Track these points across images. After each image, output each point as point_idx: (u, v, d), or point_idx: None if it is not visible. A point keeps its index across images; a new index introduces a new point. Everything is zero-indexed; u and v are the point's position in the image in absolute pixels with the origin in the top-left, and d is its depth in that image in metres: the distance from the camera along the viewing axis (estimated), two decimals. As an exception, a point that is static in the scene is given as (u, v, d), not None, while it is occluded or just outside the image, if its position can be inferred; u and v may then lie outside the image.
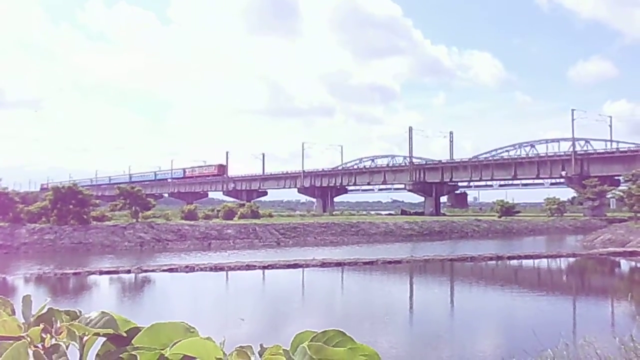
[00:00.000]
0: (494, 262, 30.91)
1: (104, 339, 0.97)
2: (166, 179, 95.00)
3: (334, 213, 73.34)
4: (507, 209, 65.67)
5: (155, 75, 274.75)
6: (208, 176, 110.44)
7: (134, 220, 43.47)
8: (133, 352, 0.92)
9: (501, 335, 15.32)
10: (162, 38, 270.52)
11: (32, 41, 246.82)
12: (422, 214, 74.64)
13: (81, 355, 0.94)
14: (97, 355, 0.96)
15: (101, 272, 25.89)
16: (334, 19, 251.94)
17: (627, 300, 13.79)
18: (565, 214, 65.68)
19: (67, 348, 0.95)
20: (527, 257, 32.35)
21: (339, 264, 28.59)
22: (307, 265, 28.02)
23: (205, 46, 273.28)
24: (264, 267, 27.38)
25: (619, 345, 6.97)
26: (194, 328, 0.92)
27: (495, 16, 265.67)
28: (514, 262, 31.07)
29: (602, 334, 9.02)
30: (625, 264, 32.17)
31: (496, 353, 11.38)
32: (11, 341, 0.93)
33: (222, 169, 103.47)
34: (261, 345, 0.92)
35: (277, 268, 27.45)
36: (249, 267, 27.34)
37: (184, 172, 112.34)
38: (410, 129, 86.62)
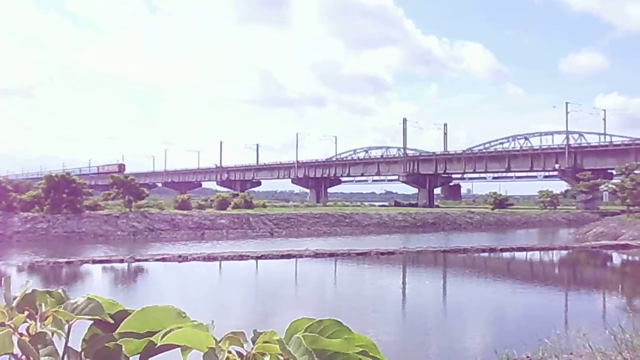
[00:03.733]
0: (486, 254, 31.03)
1: (91, 322, 0.93)
2: (88, 174, 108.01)
3: (327, 204, 73.42)
4: (501, 201, 65.88)
5: (146, 64, 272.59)
6: (111, 173, 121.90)
7: (128, 210, 43.34)
8: (119, 342, 0.88)
9: (494, 326, 15.39)
10: (152, 27, 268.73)
11: (20, 29, 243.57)
12: (415, 205, 74.77)
13: (67, 341, 0.91)
14: (84, 339, 0.92)
15: (94, 262, 25.82)
16: (324, 9, 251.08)
17: (618, 293, 13.86)
18: (558, 207, 65.87)
19: (52, 335, 0.92)
20: (519, 249, 32.48)
21: (332, 255, 28.62)
22: (301, 256, 28.04)
23: (195, 35, 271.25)
24: (257, 257, 27.36)
25: (610, 336, 7.00)
26: (184, 313, 0.89)
27: (486, 6, 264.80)
28: (507, 254, 31.19)
29: (594, 325, 9.07)
30: (617, 257, 32.36)
31: (489, 344, 11.43)
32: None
33: (122, 167, 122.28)
34: (254, 331, 0.89)
35: (271, 258, 27.46)
36: (242, 257, 27.33)
37: (98, 169, 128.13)
38: (405, 121, 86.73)
